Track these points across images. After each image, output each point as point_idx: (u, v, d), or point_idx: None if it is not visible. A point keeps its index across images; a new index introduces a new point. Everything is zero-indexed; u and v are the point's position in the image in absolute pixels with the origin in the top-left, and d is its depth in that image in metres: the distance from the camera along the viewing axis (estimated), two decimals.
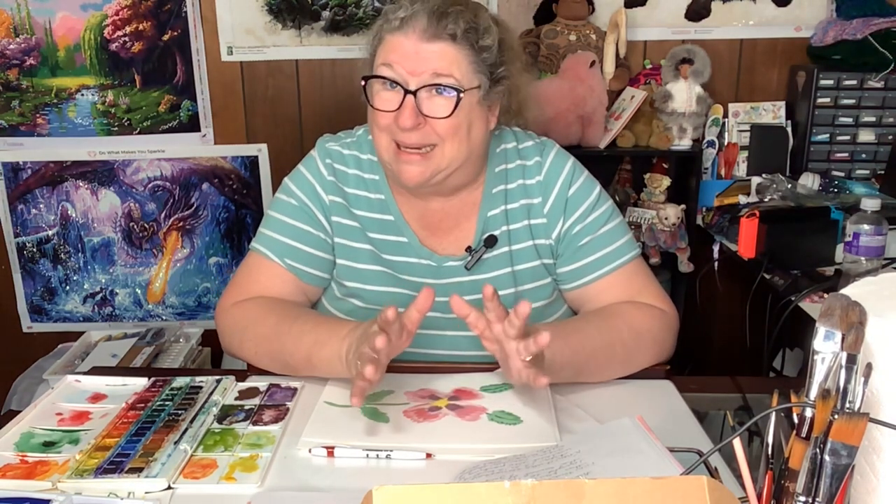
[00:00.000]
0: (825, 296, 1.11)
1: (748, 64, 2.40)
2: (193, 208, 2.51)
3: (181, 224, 2.53)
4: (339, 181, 1.29)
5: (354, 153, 1.30)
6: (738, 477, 0.83)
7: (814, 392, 0.66)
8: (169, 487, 0.91)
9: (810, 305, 1.61)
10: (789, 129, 2.34)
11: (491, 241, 1.27)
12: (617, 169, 2.40)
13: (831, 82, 2.22)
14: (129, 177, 2.48)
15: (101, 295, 2.58)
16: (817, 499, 0.65)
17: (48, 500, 0.87)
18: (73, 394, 1.14)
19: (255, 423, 1.04)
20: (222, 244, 2.55)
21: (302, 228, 1.28)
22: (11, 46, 2.36)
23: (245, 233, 2.53)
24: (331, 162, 1.30)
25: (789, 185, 2.11)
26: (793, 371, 1.97)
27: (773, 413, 0.71)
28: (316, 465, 0.96)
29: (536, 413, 1.05)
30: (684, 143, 2.27)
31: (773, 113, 2.37)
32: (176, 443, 0.98)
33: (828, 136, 2.27)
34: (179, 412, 1.07)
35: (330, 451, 0.97)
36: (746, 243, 1.83)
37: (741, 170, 2.35)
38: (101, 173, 2.48)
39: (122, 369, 1.99)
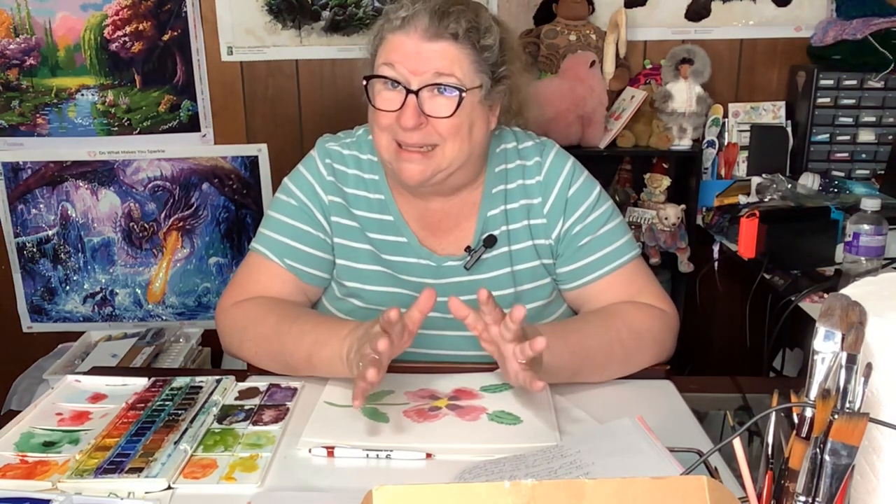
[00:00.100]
0: (825, 296, 1.11)
1: (748, 64, 2.40)
2: (193, 208, 2.51)
3: (181, 224, 2.53)
4: (339, 181, 1.29)
5: (354, 153, 1.30)
6: (738, 477, 0.83)
7: (814, 392, 0.66)
8: (169, 487, 0.91)
9: (810, 305, 1.61)
10: (789, 129, 2.34)
11: (490, 241, 1.27)
12: (617, 169, 2.40)
13: (831, 82, 2.22)
14: (129, 177, 2.48)
15: (101, 295, 2.58)
16: (817, 499, 0.65)
17: (48, 500, 0.87)
18: (73, 394, 1.14)
19: (255, 423, 1.04)
20: (222, 244, 2.55)
21: (302, 228, 1.28)
22: (11, 46, 2.36)
23: (245, 233, 2.53)
24: (330, 162, 1.29)
25: (789, 185, 2.11)
26: (793, 371, 1.97)
27: (773, 413, 0.71)
28: (316, 465, 0.96)
29: (536, 413, 1.05)
30: (684, 143, 2.27)
31: (773, 113, 2.37)
32: (176, 443, 0.98)
33: (828, 136, 2.27)
34: (179, 412, 1.07)
35: (330, 451, 0.97)
36: (746, 243, 1.83)
37: (741, 170, 2.35)
38: (101, 173, 2.48)
39: (122, 369, 1.99)
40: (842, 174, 2.27)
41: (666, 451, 0.87)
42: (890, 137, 2.23)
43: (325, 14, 2.35)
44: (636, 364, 1.19)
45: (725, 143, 2.36)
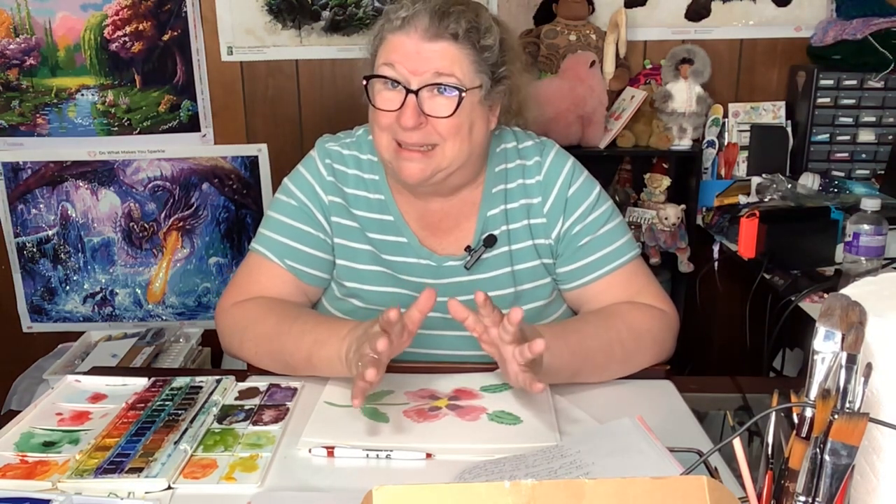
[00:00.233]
0: (825, 296, 1.11)
1: (748, 64, 2.40)
2: (193, 208, 2.51)
3: (181, 224, 2.53)
4: (339, 181, 1.29)
5: (354, 153, 1.30)
6: (738, 477, 0.83)
7: (814, 392, 0.66)
8: (169, 487, 0.91)
9: (810, 305, 1.61)
10: (789, 129, 2.34)
11: (490, 241, 1.27)
12: (617, 169, 2.40)
13: (831, 82, 2.22)
14: (129, 177, 2.48)
15: (101, 295, 2.58)
16: (817, 499, 0.65)
17: (48, 500, 0.87)
18: (73, 394, 1.14)
19: (255, 423, 1.04)
20: (222, 244, 2.55)
21: (301, 229, 1.28)
22: (11, 46, 2.36)
23: (245, 233, 2.53)
24: (330, 162, 1.29)
25: (789, 185, 2.11)
26: (793, 371, 1.97)
27: (773, 413, 0.71)
28: (316, 465, 0.96)
29: (536, 413, 1.05)
30: (684, 143, 2.27)
31: (773, 113, 2.37)
32: (176, 443, 0.98)
33: (828, 136, 2.27)
34: (179, 412, 1.07)
35: (330, 451, 0.97)
36: (746, 243, 1.83)
37: (741, 170, 2.35)
38: (101, 173, 2.48)
39: (122, 369, 1.99)
40: (842, 174, 2.27)
41: (666, 451, 0.87)
42: (890, 137, 2.23)
43: (325, 14, 2.35)
44: (636, 364, 1.19)
45: (725, 143, 2.36)
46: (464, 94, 1.14)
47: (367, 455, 0.96)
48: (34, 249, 2.54)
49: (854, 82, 2.21)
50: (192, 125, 2.43)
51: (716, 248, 2.18)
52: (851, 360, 0.65)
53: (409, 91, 1.13)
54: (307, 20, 2.35)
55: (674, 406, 1.10)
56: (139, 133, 2.44)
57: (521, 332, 0.99)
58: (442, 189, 1.25)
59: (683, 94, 2.24)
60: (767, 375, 1.88)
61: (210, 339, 2.42)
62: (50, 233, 2.53)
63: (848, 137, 2.27)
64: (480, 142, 1.21)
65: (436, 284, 1.25)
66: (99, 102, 2.41)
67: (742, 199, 2.16)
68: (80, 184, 2.48)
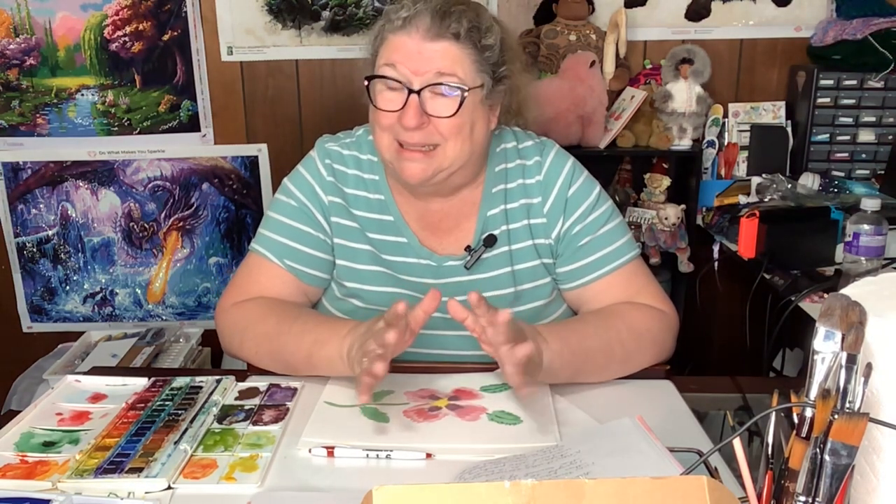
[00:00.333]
0: (825, 296, 1.11)
1: (748, 64, 2.40)
2: (193, 208, 2.51)
3: (181, 224, 2.53)
4: (339, 182, 1.29)
5: (354, 153, 1.30)
6: (738, 477, 0.83)
7: (814, 392, 0.66)
8: (169, 487, 0.91)
9: (810, 305, 1.61)
10: (789, 129, 2.34)
11: (490, 241, 1.27)
12: (617, 169, 2.40)
13: (831, 82, 2.22)
14: (129, 177, 2.48)
15: (101, 295, 2.58)
16: (817, 499, 0.65)
17: (48, 500, 0.87)
18: (73, 394, 1.14)
19: (255, 423, 1.04)
20: (222, 244, 2.55)
21: (301, 229, 1.28)
22: (11, 46, 2.36)
23: (245, 233, 2.53)
24: (330, 162, 1.29)
25: (789, 185, 2.11)
26: (793, 371, 1.97)
27: (773, 413, 0.71)
28: (316, 465, 0.96)
29: (536, 413, 1.05)
30: (684, 143, 2.27)
31: (773, 113, 2.37)
32: (176, 443, 0.98)
33: (828, 136, 2.27)
34: (179, 412, 1.07)
35: (330, 451, 0.97)
36: (746, 243, 1.83)
37: (741, 170, 2.35)
38: (101, 173, 2.48)
39: (122, 369, 1.99)
40: (842, 174, 2.27)
41: (666, 451, 0.87)
42: (890, 137, 2.23)
43: (325, 14, 2.35)
44: (636, 364, 1.19)
45: (725, 143, 2.36)
46: (465, 94, 1.14)
47: (367, 455, 0.96)
48: (34, 249, 2.54)
49: (854, 82, 2.21)
50: (192, 125, 2.43)
51: (716, 248, 2.18)
52: (851, 360, 0.65)
53: (410, 91, 1.13)
54: (307, 20, 2.35)
55: (674, 406, 1.10)
56: (139, 133, 2.44)
57: (521, 331, 0.99)
58: (442, 189, 1.25)
59: (683, 94, 2.24)
60: (767, 375, 1.88)
61: (210, 339, 2.42)
62: (50, 233, 2.53)
63: (848, 137, 2.26)
64: (481, 141, 1.21)
65: (436, 284, 1.25)
66: (99, 102, 2.41)
67: (742, 199, 2.16)
68: (80, 184, 2.48)
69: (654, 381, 1.18)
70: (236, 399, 1.12)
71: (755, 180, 2.17)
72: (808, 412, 0.66)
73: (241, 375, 1.19)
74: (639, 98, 2.21)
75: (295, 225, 1.28)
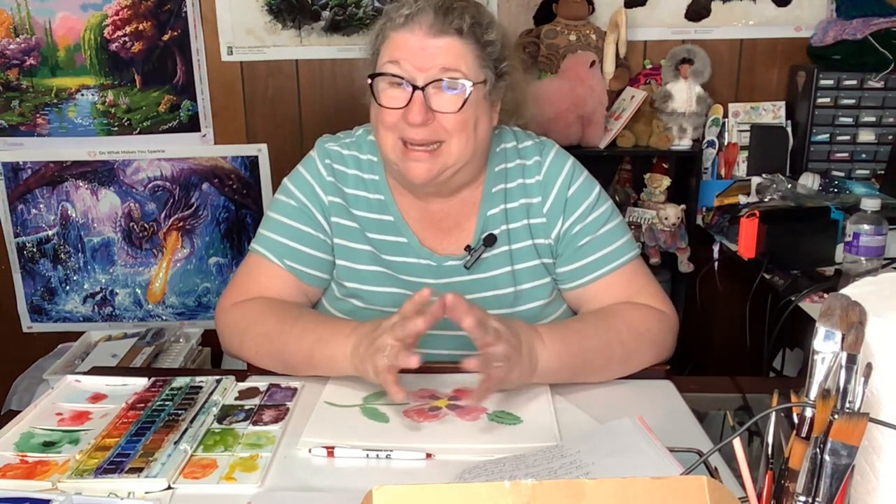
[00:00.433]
0: (825, 296, 1.11)
1: (748, 64, 2.40)
2: (193, 208, 2.51)
3: (181, 224, 2.53)
4: (339, 182, 1.29)
5: (354, 153, 1.30)
6: (738, 477, 0.83)
7: (814, 392, 0.66)
8: (169, 487, 0.91)
9: (810, 305, 1.61)
10: (789, 129, 2.34)
11: (490, 241, 1.27)
12: (617, 169, 2.40)
13: (831, 82, 2.22)
14: (129, 177, 2.48)
15: (101, 295, 2.58)
16: (817, 499, 0.65)
17: (48, 500, 0.87)
18: (73, 394, 1.14)
19: (255, 423, 1.04)
20: (222, 244, 2.55)
21: (301, 229, 1.28)
22: (11, 46, 2.36)
23: (245, 233, 2.53)
24: (330, 162, 1.29)
25: (789, 185, 2.11)
26: (793, 371, 1.97)
27: (773, 413, 0.71)
28: (316, 465, 0.96)
29: (536, 413, 1.05)
30: (684, 143, 2.27)
31: (773, 113, 2.37)
32: (176, 443, 0.98)
33: (828, 136, 2.27)
34: (179, 412, 1.07)
35: (330, 451, 0.97)
36: (746, 243, 1.83)
37: (741, 170, 2.35)
38: (101, 173, 2.48)
39: (122, 369, 1.99)
40: (842, 174, 2.27)
41: (666, 451, 0.87)
42: (890, 137, 2.24)
43: (325, 14, 2.35)
44: (636, 364, 1.19)
45: (725, 143, 2.36)
46: (470, 89, 1.14)
47: (367, 455, 0.96)
48: (34, 249, 2.54)
49: (854, 82, 2.21)
50: (192, 125, 2.43)
51: (716, 248, 2.18)
52: (851, 360, 0.65)
53: (415, 88, 1.13)
54: (307, 20, 2.35)
55: (674, 406, 1.10)
56: (139, 133, 2.44)
57: (512, 330, 1.01)
58: (444, 189, 1.25)
59: (683, 94, 2.24)
60: (767, 375, 1.88)
61: (210, 339, 2.42)
62: (50, 233, 2.53)
63: (848, 137, 2.27)
64: (484, 138, 1.22)
65: (436, 284, 1.25)
66: (99, 102, 2.41)
67: (742, 199, 2.16)
68: (80, 184, 2.48)
69: (654, 381, 1.18)
70: (236, 399, 1.12)
71: (755, 180, 2.17)
72: (808, 412, 0.66)
73: (241, 375, 1.19)
74: (639, 98, 2.21)
75: (295, 225, 1.28)
